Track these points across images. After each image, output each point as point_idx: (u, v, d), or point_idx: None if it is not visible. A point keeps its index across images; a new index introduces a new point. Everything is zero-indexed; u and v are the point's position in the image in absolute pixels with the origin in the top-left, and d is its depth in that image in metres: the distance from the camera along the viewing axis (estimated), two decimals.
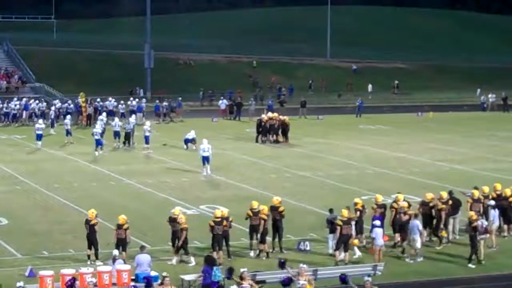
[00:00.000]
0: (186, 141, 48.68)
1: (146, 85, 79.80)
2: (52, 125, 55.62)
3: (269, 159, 45.31)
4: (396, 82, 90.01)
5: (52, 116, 56.50)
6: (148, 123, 49.64)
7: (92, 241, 25.08)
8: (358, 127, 61.04)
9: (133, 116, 54.15)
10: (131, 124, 49.80)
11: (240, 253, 26.21)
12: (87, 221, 25.29)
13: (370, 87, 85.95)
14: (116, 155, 46.69)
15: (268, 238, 26.36)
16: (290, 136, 51.93)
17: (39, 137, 49.00)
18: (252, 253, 26.07)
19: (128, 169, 41.64)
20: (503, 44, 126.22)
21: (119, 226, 24.81)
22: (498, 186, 29.72)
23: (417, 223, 26.15)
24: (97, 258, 24.96)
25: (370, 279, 20.84)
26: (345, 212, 25.53)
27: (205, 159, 39.97)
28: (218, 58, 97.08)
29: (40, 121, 51.73)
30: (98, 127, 46.99)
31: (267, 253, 25.92)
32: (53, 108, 58.93)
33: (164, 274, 20.67)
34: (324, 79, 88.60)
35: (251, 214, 26.19)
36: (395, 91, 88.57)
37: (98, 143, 45.98)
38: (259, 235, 26.06)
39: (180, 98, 66.75)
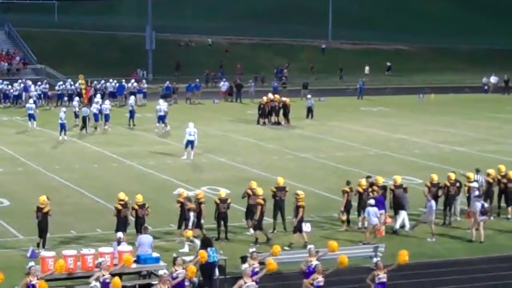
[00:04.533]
0: (160, 118, 47.82)
1: (147, 67, 79.81)
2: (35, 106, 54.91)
3: (271, 141, 45.32)
4: (388, 64, 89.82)
5: (35, 98, 55.02)
6: (161, 101, 49.39)
7: (43, 229, 24.10)
8: (359, 109, 61.01)
9: (132, 97, 53.80)
10: (95, 108, 48.87)
11: (239, 233, 26.33)
12: (39, 209, 24.10)
13: (367, 69, 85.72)
14: (117, 136, 46.66)
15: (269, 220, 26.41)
16: (291, 117, 51.93)
17: (31, 117, 48.59)
18: (251, 231, 26.00)
19: (130, 151, 41.66)
20: (504, 25, 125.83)
21: (124, 205, 24.48)
22: (502, 168, 29.74)
23: (434, 203, 26.35)
24: (44, 246, 23.89)
25: (379, 259, 20.80)
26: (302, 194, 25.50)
27: (190, 143, 39.30)
28: (219, 40, 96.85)
29: (31, 100, 51.14)
30: (62, 113, 45.21)
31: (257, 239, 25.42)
32: (33, 89, 58.35)
33: (174, 255, 20.50)
34: (288, 62, 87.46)
35: (250, 193, 26.13)
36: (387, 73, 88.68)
37: (62, 127, 44.76)
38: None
39: (197, 80, 66.68)
